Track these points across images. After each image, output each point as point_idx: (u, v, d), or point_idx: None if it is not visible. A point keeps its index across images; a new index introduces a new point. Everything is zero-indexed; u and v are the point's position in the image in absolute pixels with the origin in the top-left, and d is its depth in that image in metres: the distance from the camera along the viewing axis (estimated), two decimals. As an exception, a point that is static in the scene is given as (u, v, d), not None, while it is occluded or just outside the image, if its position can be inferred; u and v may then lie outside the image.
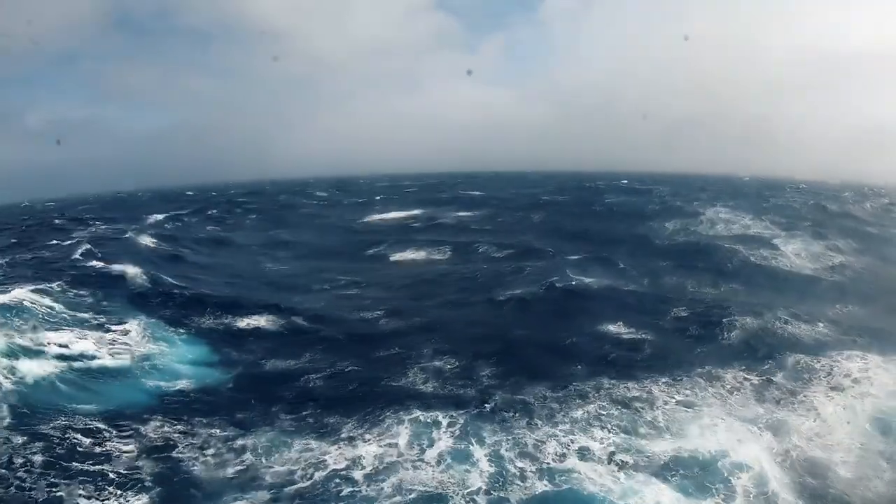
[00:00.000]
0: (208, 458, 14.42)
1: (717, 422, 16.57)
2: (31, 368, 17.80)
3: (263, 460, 14.32)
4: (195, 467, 14.02)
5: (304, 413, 17.02)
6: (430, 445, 14.82)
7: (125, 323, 23.16)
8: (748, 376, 20.01)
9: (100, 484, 13.02)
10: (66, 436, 14.80)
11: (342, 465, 14.02)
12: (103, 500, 12.53)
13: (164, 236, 49.15)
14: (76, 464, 13.59)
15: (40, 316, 22.24)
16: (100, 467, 13.65)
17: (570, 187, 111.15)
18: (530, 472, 13.73)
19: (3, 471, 12.90)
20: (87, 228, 54.07)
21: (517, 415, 16.65)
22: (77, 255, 36.05)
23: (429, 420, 16.04)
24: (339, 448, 14.81)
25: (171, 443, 15.00)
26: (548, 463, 14.06)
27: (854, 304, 30.67)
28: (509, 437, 15.29)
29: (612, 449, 14.85)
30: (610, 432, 15.65)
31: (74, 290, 26.21)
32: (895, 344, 22.44)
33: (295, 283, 35.32)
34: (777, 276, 38.71)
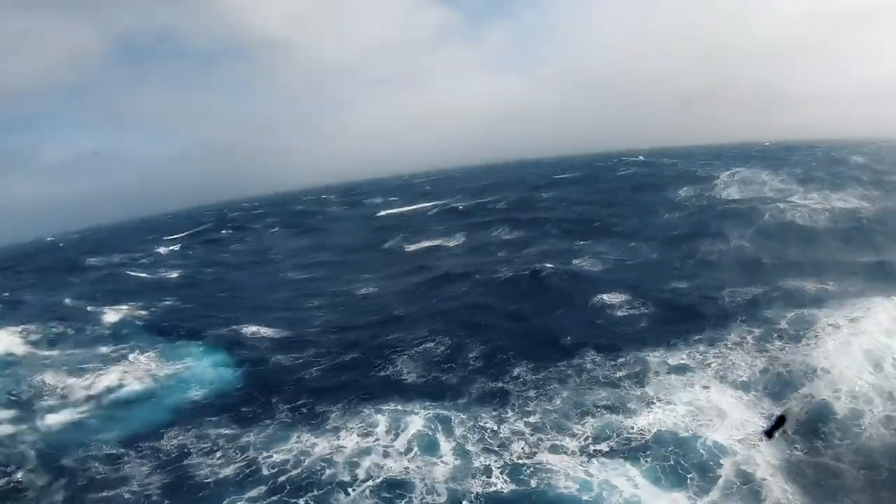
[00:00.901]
0: (215, 459, 15.55)
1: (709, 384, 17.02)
2: (56, 419, 18.69)
3: (263, 453, 15.50)
4: (202, 471, 15.04)
5: (300, 404, 18.41)
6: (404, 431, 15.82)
7: (148, 351, 23.96)
8: (751, 329, 20.45)
9: None
10: (87, 466, 15.56)
11: (327, 453, 15.10)
12: None
13: (182, 260, 50.23)
14: (92, 493, 14.35)
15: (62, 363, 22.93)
16: (115, 491, 14.12)
17: (582, 165, 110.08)
18: (495, 466, 14.14)
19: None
20: (106, 258, 55.47)
21: (496, 402, 17.32)
22: (91, 289, 37.19)
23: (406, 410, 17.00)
24: (326, 438, 15.96)
25: (185, 450, 16.15)
26: (514, 459, 14.39)
27: (865, 247, 30.70)
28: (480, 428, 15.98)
29: (588, 434, 15.20)
30: (592, 416, 16.05)
31: (90, 327, 27.14)
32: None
33: (312, 289, 36.21)
34: (791, 230, 38.11)
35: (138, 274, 45.90)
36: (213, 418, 18.04)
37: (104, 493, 14.49)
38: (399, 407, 17.20)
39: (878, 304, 20.60)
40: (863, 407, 15.20)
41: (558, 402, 16.93)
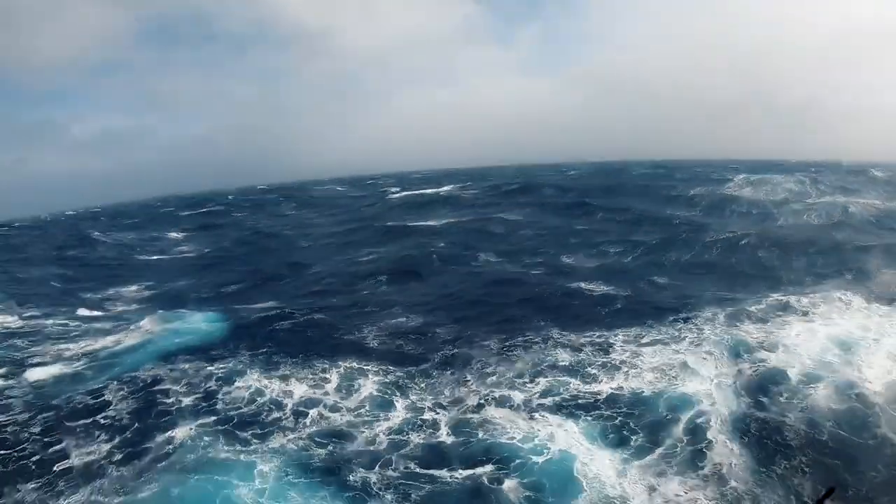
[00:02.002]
0: (180, 388, 16.92)
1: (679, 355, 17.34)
2: (48, 372, 19.33)
3: (224, 387, 16.92)
4: (168, 398, 16.37)
5: (260, 352, 19.51)
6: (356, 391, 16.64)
7: (143, 319, 24.70)
8: (724, 309, 20.92)
9: (90, 430, 14.79)
10: (70, 401, 16.42)
11: (275, 395, 16.28)
12: (91, 442, 14.25)
13: (195, 237, 51.33)
14: (72, 422, 15.28)
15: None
16: (92, 418, 15.07)
17: (601, 171, 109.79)
18: (442, 420, 14.76)
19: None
20: (122, 235, 56.78)
21: (453, 370, 17.80)
22: (100, 266, 38.39)
23: (362, 369, 17.88)
24: (276, 381, 17.21)
25: (157, 379, 17.49)
26: (461, 414, 14.96)
27: (858, 247, 30.29)
28: (432, 385, 16.75)
29: (538, 392, 15.72)
30: (545, 377, 16.54)
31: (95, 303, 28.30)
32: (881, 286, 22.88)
33: (315, 255, 37.66)
34: (793, 225, 38.32)
35: (149, 254, 46.98)
36: (188, 356, 19.31)
37: (81, 421, 15.32)
38: (353, 363, 18.25)
39: (861, 303, 20.99)
40: (818, 375, 15.55)
41: (519, 364, 17.40)
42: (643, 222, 41.10)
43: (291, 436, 14.38)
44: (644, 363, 16.92)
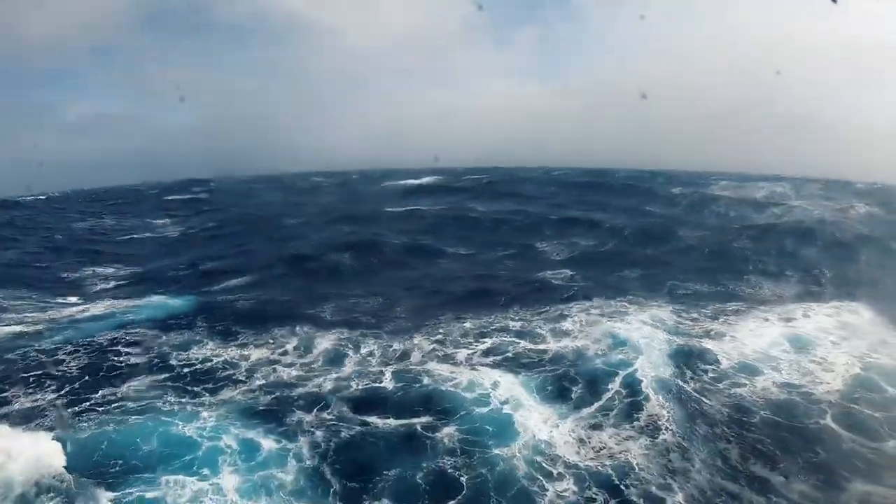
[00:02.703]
0: (135, 350, 17.16)
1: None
2: (8, 329, 19.53)
3: (179, 353, 17.06)
4: (121, 357, 16.66)
5: (222, 324, 19.66)
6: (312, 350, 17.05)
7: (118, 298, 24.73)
8: (683, 298, 21.73)
9: (41, 380, 15.07)
10: (27, 358, 16.68)
11: (231, 358, 16.57)
12: (38, 393, 14.45)
13: (180, 218, 51.09)
14: (24, 374, 15.52)
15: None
16: (44, 370, 15.38)
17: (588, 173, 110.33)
18: (387, 371, 15.32)
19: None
20: (107, 216, 56.24)
21: (407, 333, 18.29)
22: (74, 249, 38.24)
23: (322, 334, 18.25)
24: (234, 349, 17.45)
25: (114, 342, 17.73)
26: (407, 366, 15.59)
27: (834, 252, 30.76)
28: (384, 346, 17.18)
29: (483, 350, 16.38)
30: (493, 338, 17.21)
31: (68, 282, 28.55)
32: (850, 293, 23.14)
33: (297, 233, 38.04)
34: (765, 224, 38.74)
35: (131, 233, 46.62)
36: (149, 326, 19.50)
37: (33, 373, 15.44)
38: (311, 331, 18.54)
39: (824, 306, 21.13)
40: (756, 367, 16.11)
41: (468, 325, 17.97)
42: (620, 216, 41.49)
43: (242, 388, 14.62)
44: (592, 331, 17.36)
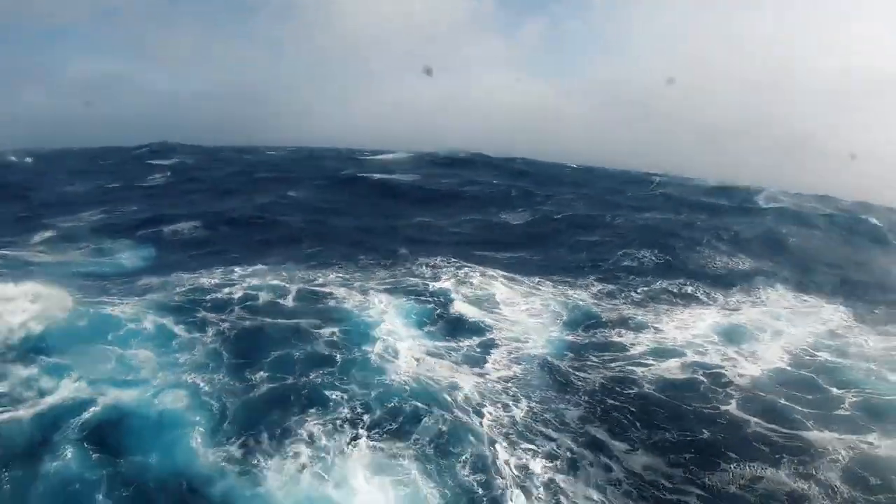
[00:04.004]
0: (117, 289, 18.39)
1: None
2: None
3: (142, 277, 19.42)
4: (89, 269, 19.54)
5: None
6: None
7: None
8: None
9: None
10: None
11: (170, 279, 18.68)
12: None
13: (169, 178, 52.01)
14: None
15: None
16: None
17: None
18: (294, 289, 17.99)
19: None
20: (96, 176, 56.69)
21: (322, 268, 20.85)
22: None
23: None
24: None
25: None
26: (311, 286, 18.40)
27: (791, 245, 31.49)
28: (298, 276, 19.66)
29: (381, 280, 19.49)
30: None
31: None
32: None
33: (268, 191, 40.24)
34: (733, 213, 40.16)
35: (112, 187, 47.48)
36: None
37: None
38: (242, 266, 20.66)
39: (777, 296, 21.75)
40: (674, 352, 16.14)
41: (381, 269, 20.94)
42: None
43: (163, 292, 16.84)
44: (491, 289, 19.65)
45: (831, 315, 20.14)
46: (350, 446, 10.72)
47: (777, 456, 11.76)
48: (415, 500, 9.78)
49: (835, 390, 14.54)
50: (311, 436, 10.85)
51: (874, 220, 39.88)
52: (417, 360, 14.17)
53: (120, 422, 10.70)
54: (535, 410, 12.64)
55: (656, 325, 17.81)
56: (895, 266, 28.86)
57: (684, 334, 17.26)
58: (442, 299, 18.13)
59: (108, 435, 10.37)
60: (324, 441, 10.75)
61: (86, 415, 10.67)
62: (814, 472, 11.32)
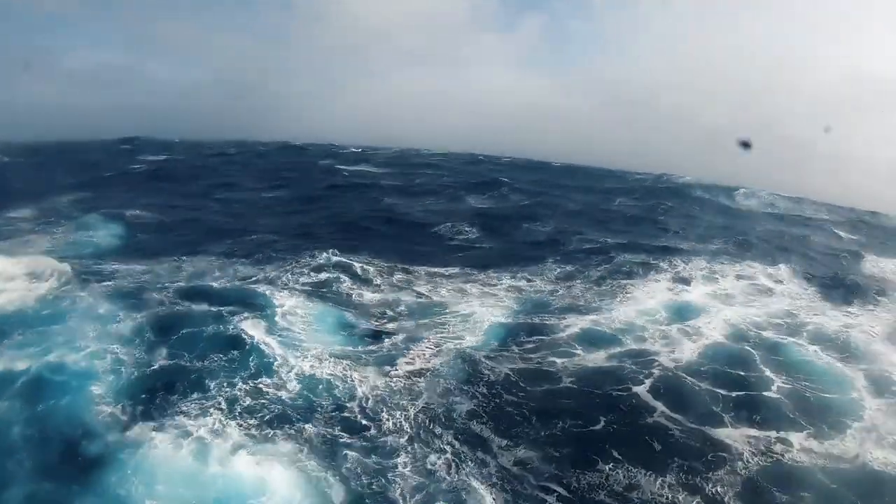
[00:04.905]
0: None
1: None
2: None
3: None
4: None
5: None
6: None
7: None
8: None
9: None
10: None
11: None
12: None
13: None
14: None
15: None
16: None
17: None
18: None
19: None
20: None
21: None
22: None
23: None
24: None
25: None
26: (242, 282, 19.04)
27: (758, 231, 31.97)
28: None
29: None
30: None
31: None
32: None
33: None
34: (711, 205, 40.56)
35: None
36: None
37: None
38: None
39: (734, 277, 21.35)
40: (611, 338, 15.72)
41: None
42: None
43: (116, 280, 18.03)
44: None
45: (795, 293, 19.95)
46: (230, 427, 10.95)
47: (667, 458, 10.57)
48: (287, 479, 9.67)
49: (767, 372, 13.97)
50: (193, 413, 11.32)
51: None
52: (321, 357, 13.80)
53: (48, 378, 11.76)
54: (430, 406, 12.05)
55: (605, 306, 17.48)
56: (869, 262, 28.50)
57: (629, 311, 17.00)
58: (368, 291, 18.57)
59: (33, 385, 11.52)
60: (204, 419, 11.15)
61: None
62: (704, 485, 9.89)
